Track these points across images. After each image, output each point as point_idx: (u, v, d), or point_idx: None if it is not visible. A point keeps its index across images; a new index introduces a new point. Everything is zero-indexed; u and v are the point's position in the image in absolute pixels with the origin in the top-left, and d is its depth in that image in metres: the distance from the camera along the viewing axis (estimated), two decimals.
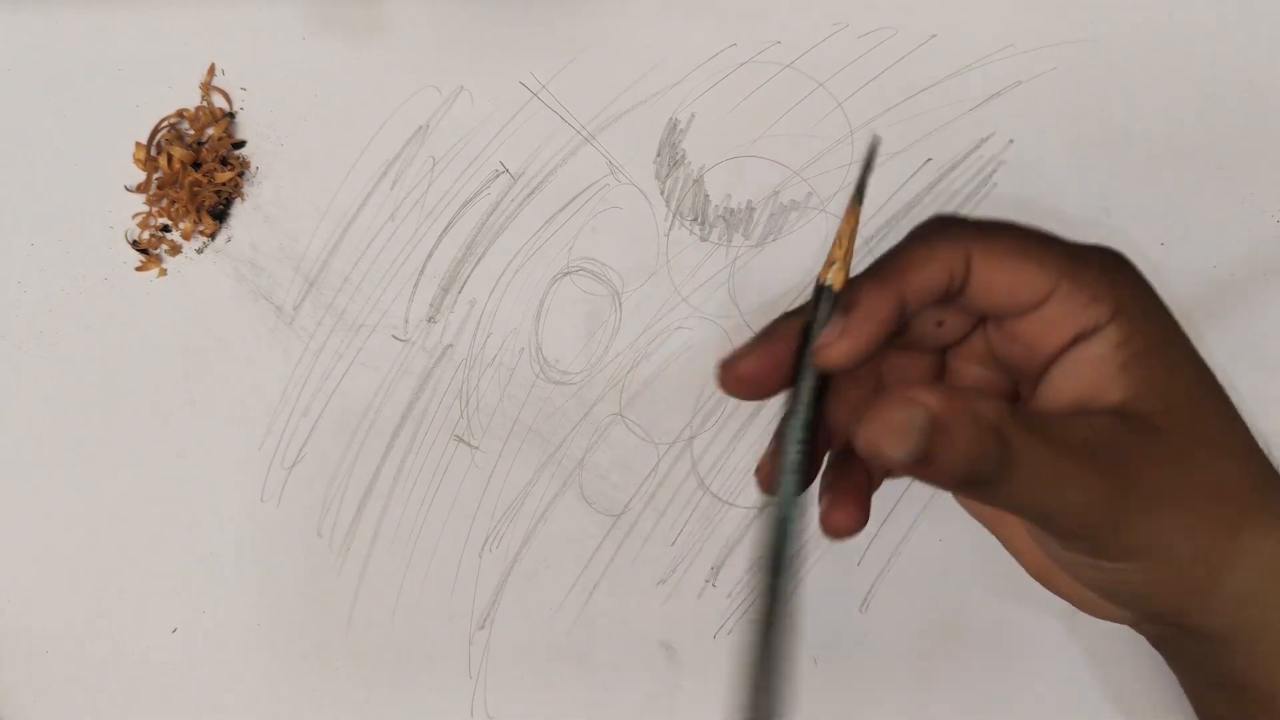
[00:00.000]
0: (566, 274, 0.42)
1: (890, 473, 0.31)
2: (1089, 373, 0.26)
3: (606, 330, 0.42)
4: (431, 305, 0.42)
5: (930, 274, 0.27)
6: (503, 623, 0.42)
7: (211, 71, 0.43)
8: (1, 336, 0.43)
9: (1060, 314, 0.26)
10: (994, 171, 0.42)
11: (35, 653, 0.43)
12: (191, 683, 0.43)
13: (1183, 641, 0.30)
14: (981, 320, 0.30)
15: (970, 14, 0.42)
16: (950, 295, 0.27)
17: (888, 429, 0.24)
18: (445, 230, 0.42)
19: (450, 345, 0.42)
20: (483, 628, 0.42)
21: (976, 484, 0.24)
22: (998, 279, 0.26)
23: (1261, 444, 0.29)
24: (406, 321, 0.43)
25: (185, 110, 0.43)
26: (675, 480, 0.42)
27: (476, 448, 0.42)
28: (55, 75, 0.43)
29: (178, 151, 0.42)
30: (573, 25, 0.42)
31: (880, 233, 0.42)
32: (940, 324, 0.30)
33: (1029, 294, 0.26)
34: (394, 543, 0.42)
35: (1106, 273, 0.27)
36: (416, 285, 0.43)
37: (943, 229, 0.27)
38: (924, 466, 0.24)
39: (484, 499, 0.42)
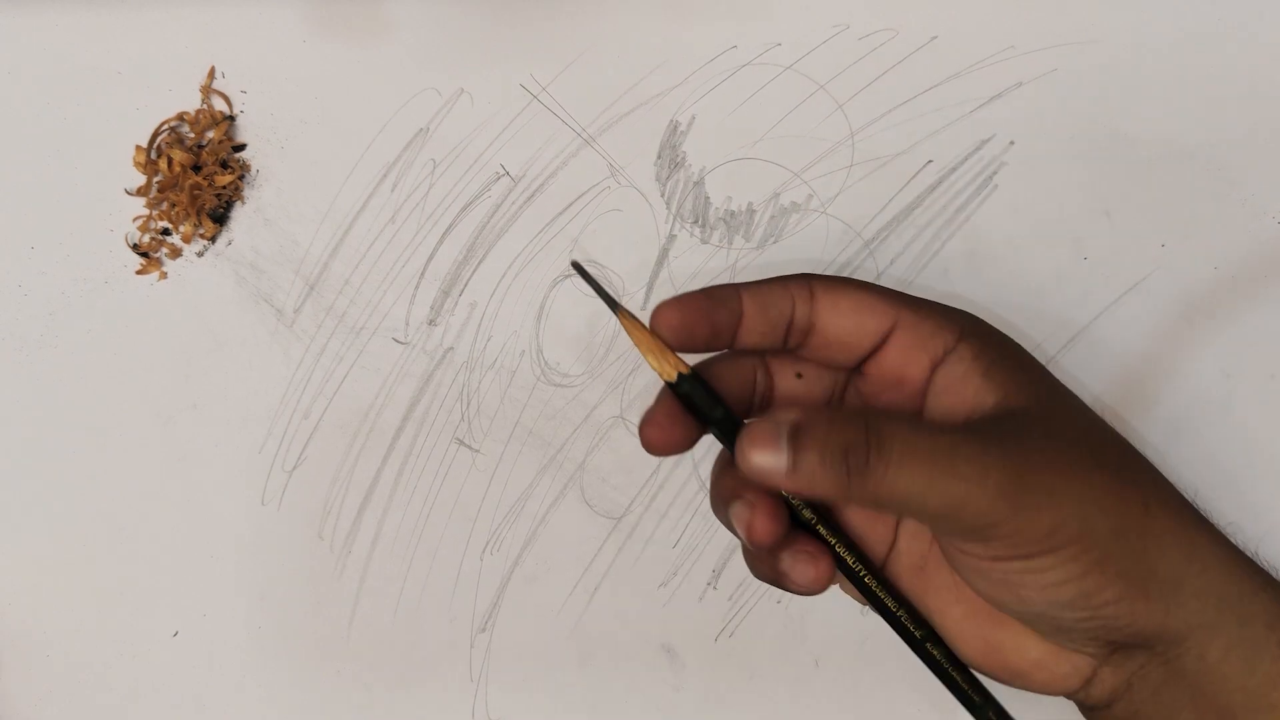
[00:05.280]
0: (567, 276, 0.42)
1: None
2: (958, 389, 0.28)
3: (607, 333, 0.42)
4: (432, 308, 0.42)
5: (775, 295, 0.29)
6: (504, 625, 0.42)
7: (212, 74, 0.43)
8: (2, 339, 0.43)
9: (909, 348, 0.28)
10: (995, 173, 0.42)
11: (37, 655, 0.43)
12: (192, 685, 0.43)
13: (1151, 673, 0.29)
14: (848, 377, 0.31)
15: (971, 16, 0.42)
16: (800, 332, 0.29)
17: (757, 443, 0.26)
18: (446, 233, 0.42)
19: (451, 348, 0.42)
20: (484, 630, 0.42)
21: (856, 473, 0.25)
22: (838, 320, 0.28)
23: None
24: (407, 324, 0.42)
25: (185, 113, 0.43)
26: (676, 483, 0.42)
27: (477, 450, 0.42)
28: (55, 78, 0.43)
29: (178, 154, 0.42)
30: (573, 27, 0.42)
31: (881, 235, 0.42)
32: (799, 376, 0.31)
33: (871, 329, 0.28)
34: (395, 545, 0.42)
35: (941, 308, 0.29)
36: (417, 288, 0.43)
37: (796, 276, 0.30)
38: (795, 472, 0.26)
39: (485, 502, 0.42)
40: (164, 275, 0.43)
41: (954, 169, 0.42)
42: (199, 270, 0.43)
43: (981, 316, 0.30)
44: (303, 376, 0.42)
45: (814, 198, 0.42)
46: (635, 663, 0.42)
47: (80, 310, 0.43)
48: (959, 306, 0.30)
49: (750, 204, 0.42)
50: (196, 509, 0.43)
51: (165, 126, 0.43)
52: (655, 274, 0.42)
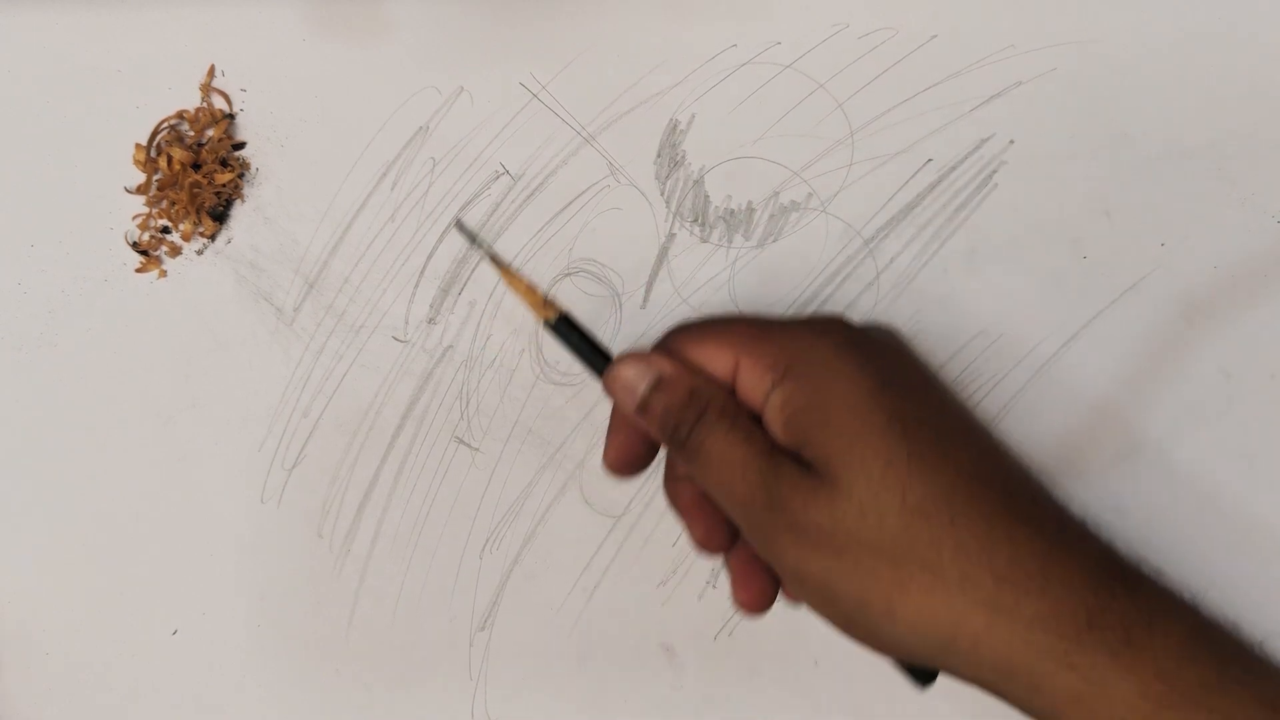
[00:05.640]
0: (567, 275, 0.42)
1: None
2: (770, 428, 0.31)
3: (607, 331, 0.42)
4: (432, 306, 0.42)
5: (666, 355, 0.33)
6: (503, 624, 0.42)
7: (211, 73, 0.43)
8: (2, 338, 0.43)
9: (748, 382, 0.32)
10: (994, 172, 0.42)
11: (36, 654, 0.43)
12: (192, 684, 0.43)
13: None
14: None
15: (970, 15, 0.42)
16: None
17: (623, 378, 0.32)
18: (446, 231, 0.42)
19: (450, 346, 0.42)
20: (483, 629, 0.42)
21: (676, 444, 0.32)
22: (698, 358, 0.32)
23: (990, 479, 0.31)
24: (407, 323, 0.42)
25: (185, 111, 0.43)
26: None
27: (477, 449, 0.42)
28: (55, 76, 0.43)
29: (178, 153, 0.42)
30: (573, 26, 0.42)
31: (881, 234, 0.42)
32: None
33: (720, 367, 0.32)
34: (394, 544, 0.42)
35: (785, 346, 0.31)
36: (417, 286, 0.43)
37: (662, 339, 0.34)
38: (642, 412, 0.32)
39: (484, 500, 0.42)
40: (164, 273, 0.43)
41: (954, 168, 0.42)
42: (199, 268, 0.43)
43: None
44: (302, 375, 0.42)
45: (814, 196, 0.42)
46: (635, 661, 0.42)
47: (80, 308, 0.43)
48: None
49: (750, 203, 0.42)
50: (196, 508, 0.43)
51: (165, 125, 0.43)
52: (655, 273, 0.42)
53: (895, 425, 0.30)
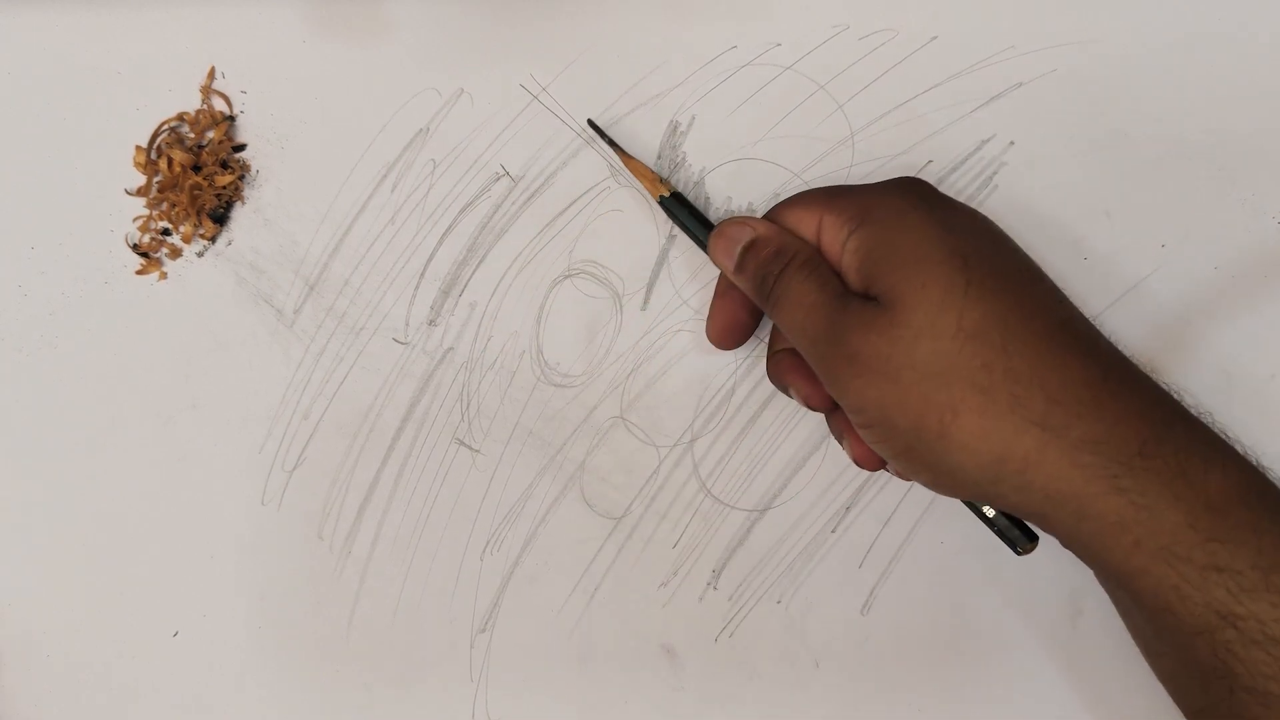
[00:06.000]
0: (567, 277, 0.42)
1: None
2: (846, 275, 0.34)
3: (608, 333, 0.42)
4: (432, 308, 0.42)
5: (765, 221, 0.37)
6: (504, 626, 0.42)
7: (211, 74, 0.43)
8: (2, 339, 0.43)
9: (829, 236, 0.34)
10: (995, 173, 0.42)
11: (37, 655, 0.43)
12: (192, 686, 0.43)
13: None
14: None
15: (971, 16, 0.42)
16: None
17: (719, 249, 0.37)
18: (446, 233, 0.42)
19: (451, 348, 0.42)
20: (484, 631, 0.42)
21: (763, 296, 0.35)
22: (788, 221, 0.36)
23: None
24: (407, 324, 0.42)
25: (185, 113, 0.43)
26: (676, 483, 0.42)
27: (477, 451, 0.42)
28: (55, 78, 0.43)
29: (178, 155, 0.42)
30: (573, 27, 0.42)
31: None
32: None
33: (807, 228, 0.35)
34: (395, 546, 0.42)
35: (861, 201, 0.34)
36: (417, 288, 0.43)
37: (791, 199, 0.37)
38: (739, 271, 0.36)
39: (485, 502, 0.42)
40: (164, 275, 0.43)
41: (954, 169, 0.42)
42: (199, 270, 0.43)
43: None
44: (303, 377, 0.42)
45: None
46: (635, 663, 0.42)
47: (80, 310, 0.43)
48: None
49: (750, 204, 0.42)
50: (196, 509, 0.43)
51: (165, 126, 0.43)
52: (655, 274, 0.42)
53: (956, 259, 0.31)
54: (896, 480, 0.42)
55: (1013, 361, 0.30)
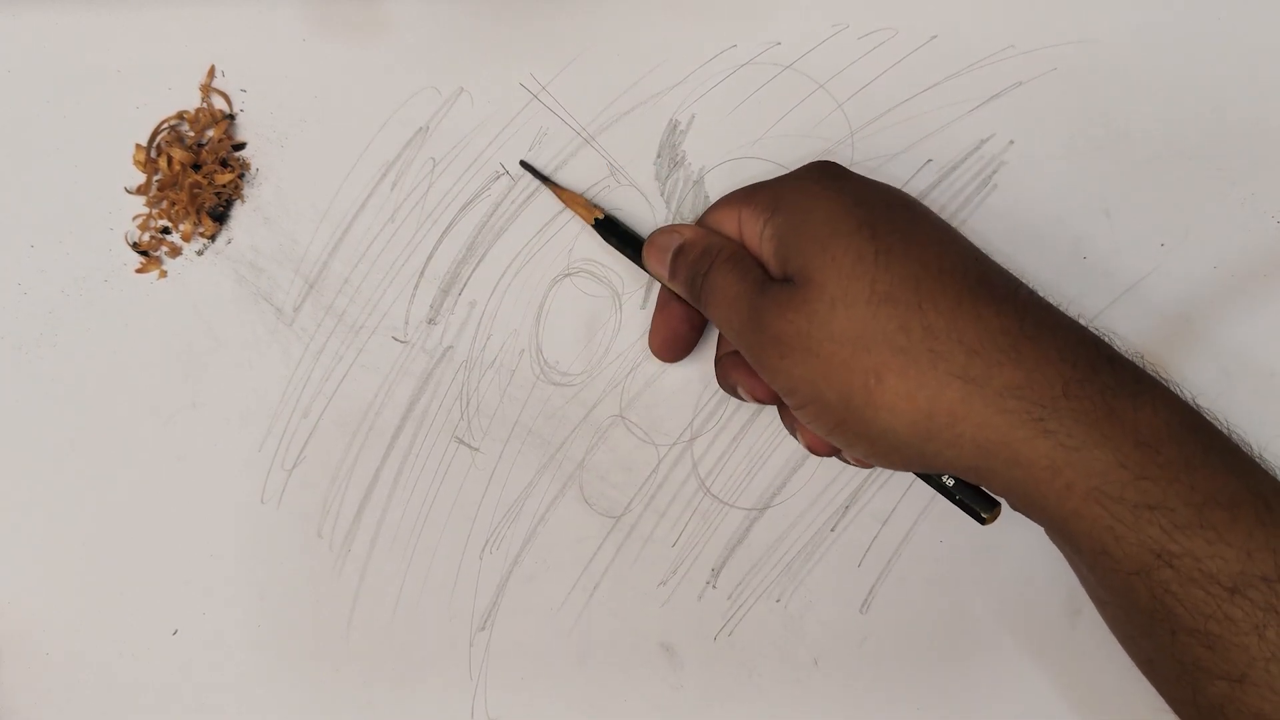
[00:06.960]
0: (567, 275, 0.42)
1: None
2: (766, 263, 0.35)
3: (607, 332, 0.42)
4: (432, 307, 0.42)
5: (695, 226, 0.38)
6: (503, 624, 0.42)
7: (211, 73, 0.43)
8: (2, 338, 0.43)
9: (749, 230, 0.35)
10: (994, 172, 0.42)
11: (36, 654, 0.43)
12: (192, 684, 0.43)
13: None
14: None
15: (970, 15, 0.42)
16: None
17: (652, 257, 0.38)
18: (445, 232, 0.42)
19: (450, 347, 0.42)
20: (483, 629, 0.42)
21: (694, 296, 0.36)
22: (713, 223, 0.37)
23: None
24: (407, 323, 0.43)
25: (185, 112, 0.43)
26: (676, 481, 0.42)
27: (477, 449, 0.42)
28: (55, 77, 0.43)
29: (178, 153, 0.42)
30: (573, 26, 0.42)
31: None
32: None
33: (730, 226, 0.36)
34: (394, 544, 0.42)
35: (774, 190, 0.35)
36: (416, 287, 0.43)
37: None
38: (672, 277, 0.37)
39: (484, 500, 0.42)
40: (164, 274, 0.43)
41: (954, 168, 0.42)
42: (199, 269, 0.43)
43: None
44: (302, 375, 0.42)
45: None
46: (634, 661, 0.42)
47: (80, 309, 0.43)
48: None
49: None
50: (196, 508, 0.43)
51: (165, 125, 0.43)
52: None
53: (865, 230, 0.32)
54: (895, 479, 0.42)
55: (929, 319, 0.31)
